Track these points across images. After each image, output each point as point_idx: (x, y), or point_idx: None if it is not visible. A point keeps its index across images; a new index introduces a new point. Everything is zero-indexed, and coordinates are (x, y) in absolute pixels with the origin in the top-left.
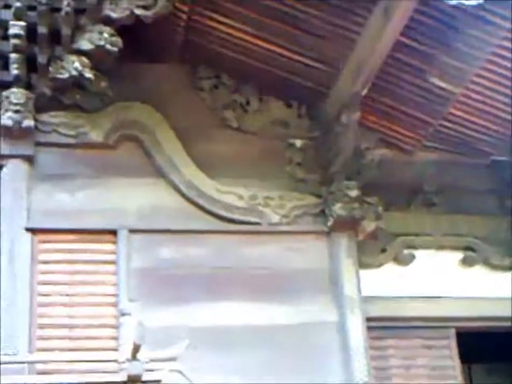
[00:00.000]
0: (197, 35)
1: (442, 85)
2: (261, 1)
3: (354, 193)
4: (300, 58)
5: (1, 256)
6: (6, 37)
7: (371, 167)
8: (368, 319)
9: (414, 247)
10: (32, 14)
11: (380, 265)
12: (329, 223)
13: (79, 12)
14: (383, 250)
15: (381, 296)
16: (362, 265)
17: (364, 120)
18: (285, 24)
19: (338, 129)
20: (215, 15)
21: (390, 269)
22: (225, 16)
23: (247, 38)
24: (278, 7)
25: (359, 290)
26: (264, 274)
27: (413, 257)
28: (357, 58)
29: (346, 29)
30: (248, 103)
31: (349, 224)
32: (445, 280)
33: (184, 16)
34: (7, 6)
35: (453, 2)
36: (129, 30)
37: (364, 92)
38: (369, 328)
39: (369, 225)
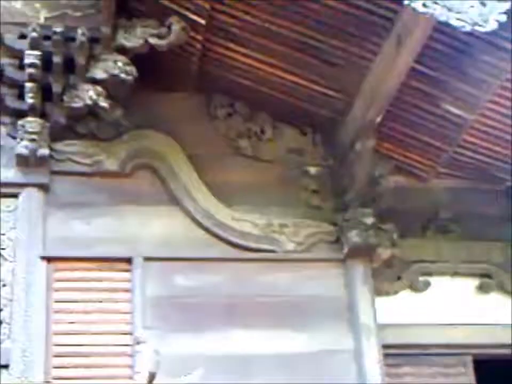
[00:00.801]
0: (212, 64)
1: (457, 111)
2: (275, 30)
3: (369, 220)
4: (314, 86)
5: (17, 284)
6: (21, 67)
7: (386, 194)
8: (384, 347)
9: (430, 274)
10: (47, 43)
11: (395, 292)
12: (345, 251)
13: (93, 41)
14: (399, 278)
15: (397, 324)
16: (378, 292)
17: (379, 147)
18: (299, 52)
19: (353, 156)
20: (229, 44)
21: (406, 296)
22: (240, 45)
23: (261, 66)
24: (292, 36)
25: (375, 318)
26: (279, 302)
27: (428, 284)
28: (371, 85)
29: (359, 56)
30: (262, 131)
31: (364, 252)
32: (461, 307)
33: (199, 45)
34: (23, 36)
35: (467, 29)
36: (144, 59)
37: (378, 119)
38: (386, 356)
39: (385, 253)
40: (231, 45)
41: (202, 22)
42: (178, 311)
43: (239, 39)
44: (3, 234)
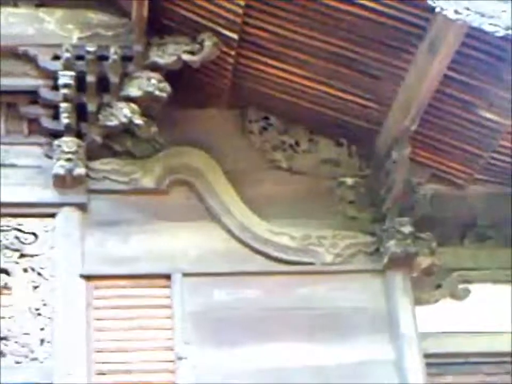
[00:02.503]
0: (245, 78)
1: (492, 117)
2: (307, 42)
3: (407, 229)
4: (349, 97)
5: (57, 303)
6: (55, 87)
7: (423, 202)
8: (426, 356)
9: (470, 282)
10: (80, 63)
11: (436, 301)
12: (384, 261)
13: (126, 59)
14: (439, 286)
15: (438, 332)
16: (418, 301)
17: (415, 155)
18: (332, 63)
19: (389, 165)
20: (262, 58)
21: (446, 304)
22: (273, 59)
23: (295, 79)
24: (325, 48)
25: (416, 327)
26: (319, 314)
27: (468, 292)
28: (405, 94)
29: (393, 65)
30: (297, 143)
31: (403, 261)
32: (502, 314)
33: (231, 60)
34: (56, 57)
35: (500, 34)
36: (177, 75)
37: (414, 127)
38: (428, 365)
39: (424, 261)
40: (264, 59)
41: (235, 36)
42: (218, 325)
43: (272, 52)
44: (42, 254)
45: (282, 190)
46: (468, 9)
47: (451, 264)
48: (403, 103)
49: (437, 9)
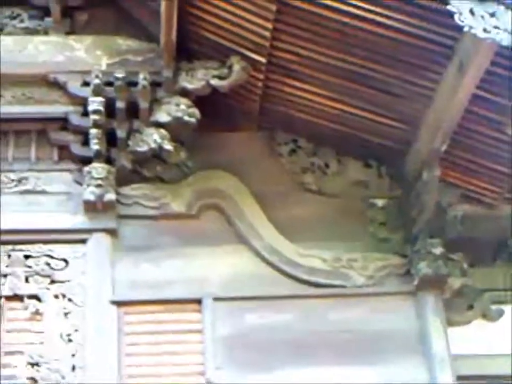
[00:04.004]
0: (273, 101)
1: None
2: (335, 64)
3: (438, 250)
4: (377, 118)
5: (88, 330)
6: (85, 113)
7: (454, 223)
8: (459, 378)
9: (503, 303)
10: (109, 89)
11: (468, 322)
12: (415, 283)
13: (155, 85)
14: (471, 307)
15: (472, 354)
16: (450, 323)
17: (444, 176)
18: (360, 85)
19: (419, 186)
20: (290, 81)
21: (479, 325)
22: (301, 81)
23: (323, 101)
24: (353, 69)
25: (449, 349)
26: (351, 337)
27: (502, 312)
28: (434, 114)
29: (421, 86)
30: (327, 165)
31: (434, 283)
32: None
33: (260, 84)
34: (86, 84)
35: None
36: (206, 100)
37: (444, 148)
38: None
39: (456, 282)
40: (292, 82)
41: (263, 60)
42: (249, 350)
43: (300, 75)
44: (73, 280)
45: (312, 212)
46: (496, 27)
47: (483, 284)
48: (432, 123)
49: (465, 29)
